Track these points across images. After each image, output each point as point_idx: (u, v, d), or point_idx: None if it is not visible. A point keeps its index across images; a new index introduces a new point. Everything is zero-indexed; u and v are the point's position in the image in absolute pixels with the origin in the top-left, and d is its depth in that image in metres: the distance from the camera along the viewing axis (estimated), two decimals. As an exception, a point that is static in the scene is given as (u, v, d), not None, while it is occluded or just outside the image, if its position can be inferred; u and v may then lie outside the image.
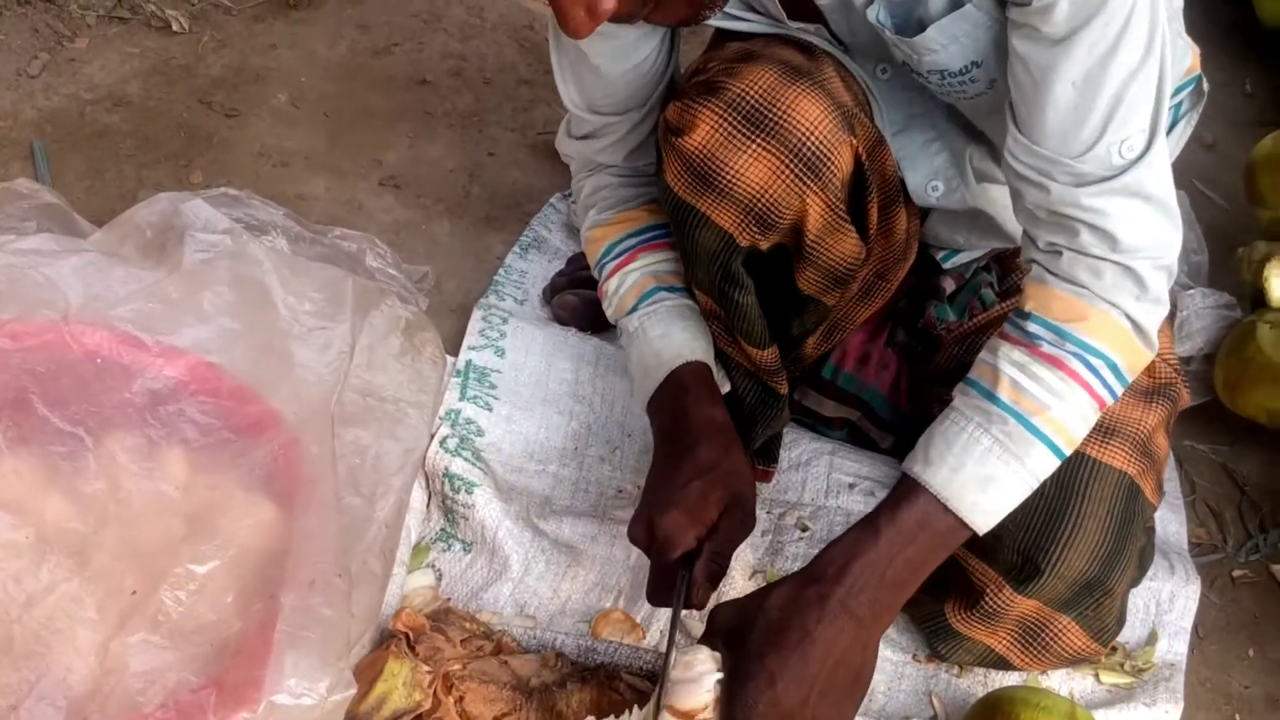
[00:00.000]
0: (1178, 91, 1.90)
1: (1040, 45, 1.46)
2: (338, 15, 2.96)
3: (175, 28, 2.85)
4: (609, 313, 1.92)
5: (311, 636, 1.51)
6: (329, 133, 2.70)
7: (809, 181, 1.66)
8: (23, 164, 2.52)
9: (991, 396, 1.55)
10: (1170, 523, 2.11)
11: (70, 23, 2.82)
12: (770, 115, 1.64)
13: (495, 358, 2.20)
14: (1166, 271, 1.56)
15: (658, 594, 1.71)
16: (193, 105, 2.71)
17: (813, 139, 1.64)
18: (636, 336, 1.86)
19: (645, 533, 1.70)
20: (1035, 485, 1.58)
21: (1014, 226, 1.84)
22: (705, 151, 1.66)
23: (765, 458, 2.06)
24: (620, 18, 1.44)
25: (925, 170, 1.80)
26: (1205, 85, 1.93)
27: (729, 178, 1.66)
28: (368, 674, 1.66)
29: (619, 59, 1.78)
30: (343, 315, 1.93)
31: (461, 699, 1.67)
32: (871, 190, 1.72)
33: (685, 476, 1.72)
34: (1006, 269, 1.97)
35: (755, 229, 1.70)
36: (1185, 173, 1.99)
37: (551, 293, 2.37)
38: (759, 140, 1.64)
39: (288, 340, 1.87)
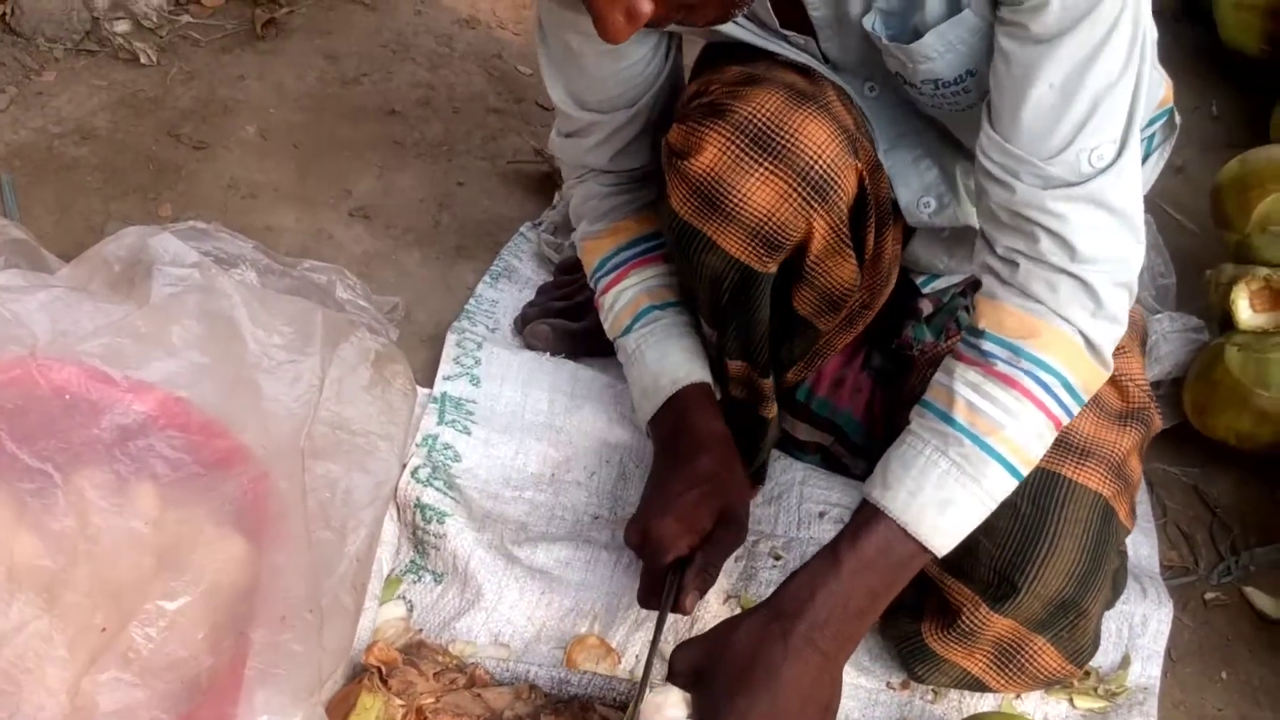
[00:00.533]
0: (1151, 123, 1.91)
1: (1025, 44, 1.48)
2: (306, 46, 2.96)
3: (143, 60, 2.84)
4: (606, 328, 1.95)
5: (283, 673, 1.50)
6: (298, 164, 2.70)
7: (816, 204, 1.67)
8: (-10, 198, 2.51)
9: (947, 418, 1.56)
10: (1142, 546, 2.12)
11: (38, 56, 2.81)
12: (778, 138, 1.64)
13: (470, 386, 2.19)
14: (1125, 289, 1.57)
15: (648, 598, 1.74)
16: (161, 138, 2.70)
17: (820, 162, 1.64)
18: (635, 359, 1.88)
19: (639, 536, 1.73)
20: (993, 506, 1.58)
21: None
22: (712, 174, 1.66)
23: (754, 477, 2.06)
24: (654, 22, 1.43)
25: (916, 187, 1.80)
26: (1178, 118, 1.95)
27: (736, 200, 1.66)
28: (340, 709, 1.66)
29: (612, 58, 1.79)
30: (312, 348, 1.93)
31: (435, 732, 1.66)
32: (870, 214, 1.73)
33: (683, 485, 1.75)
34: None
35: (762, 251, 1.70)
36: (1154, 196, 2.01)
37: (523, 322, 2.37)
38: (767, 163, 1.64)
39: (257, 374, 1.86)
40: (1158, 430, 1.91)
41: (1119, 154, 1.51)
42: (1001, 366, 1.55)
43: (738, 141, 1.65)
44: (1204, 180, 2.54)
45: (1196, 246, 2.66)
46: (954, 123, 1.74)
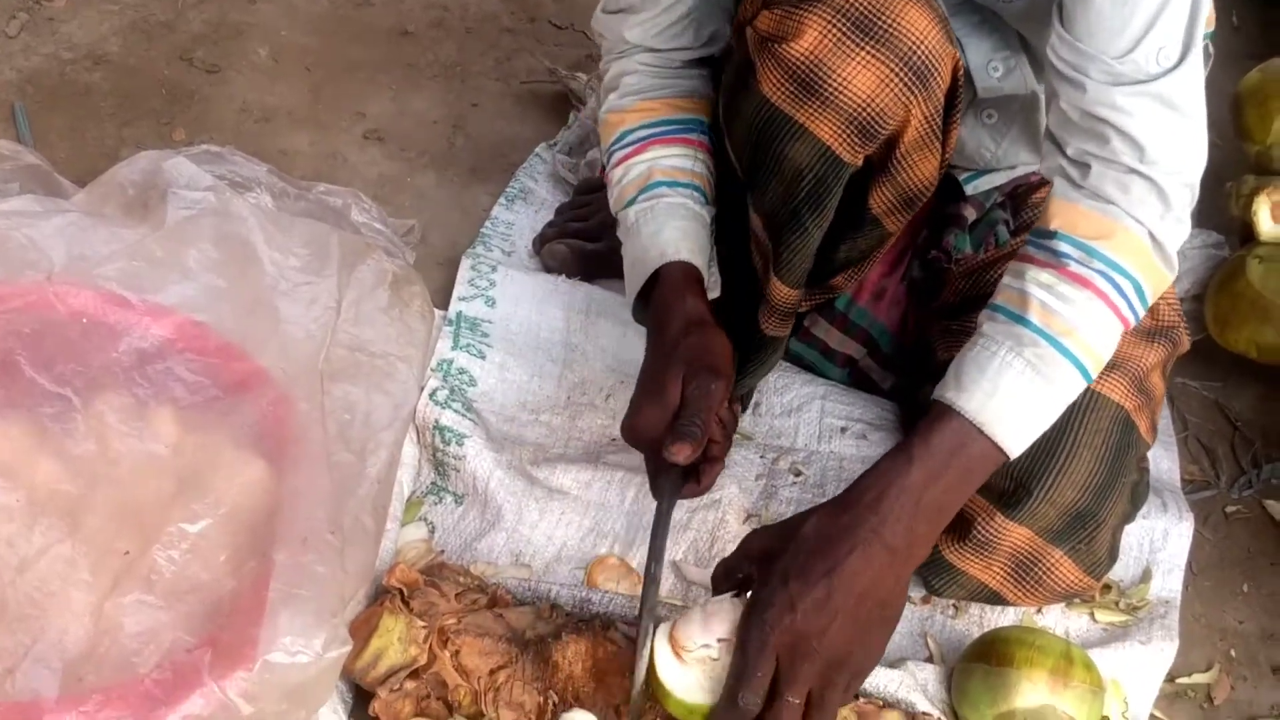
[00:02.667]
0: None
1: None
2: (318, -33, 2.94)
3: (154, -17, 2.82)
4: (611, 202, 1.89)
5: (305, 594, 1.51)
6: (311, 87, 2.68)
7: (916, 91, 1.64)
8: (3, 126, 2.50)
9: (1021, 320, 1.55)
10: (1163, 460, 2.11)
11: (48, -19, 2.80)
12: (880, 23, 1.61)
13: (486, 308, 2.19)
14: (1190, 190, 1.57)
15: (655, 487, 1.72)
16: (173, 62, 2.69)
17: (923, 48, 1.62)
18: (632, 231, 1.83)
19: (628, 432, 1.71)
20: (1063, 407, 1.58)
21: None
22: (812, 58, 1.62)
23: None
24: None
25: (984, 49, 1.78)
26: (1212, 49, 1.93)
27: (836, 85, 1.62)
28: (363, 630, 1.66)
29: None
30: (329, 270, 1.92)
31: (457, 653, 1.67)
32: (959, 108, 1.71)
33: (650, 368, 1.73)
34: (1020, 206, 1.96)
35: (856, 140, 1.66)
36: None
37: (541, 243, 2.36)
38: (869, 47, 1.61)
39: (274, 296, 1.86)
40: (1185, 350, 1.90)
41: (1184, 54, 1.52)
42: (1075, 267, 1.54)
43: (839, 25, 1.61)
44: (1224, 91, 2.52)
45: (1217, 158, 2.59)
46: (1007, 12, 1.76)
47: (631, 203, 1.84)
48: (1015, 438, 1.55)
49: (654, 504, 1.70)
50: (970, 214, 1.96)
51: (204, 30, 2.77)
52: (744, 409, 2.08)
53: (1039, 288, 1.55)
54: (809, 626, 1.48)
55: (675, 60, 1.87)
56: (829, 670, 1.51)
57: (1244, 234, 2.32)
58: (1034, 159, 1.93)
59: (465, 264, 2.26)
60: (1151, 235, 1.56)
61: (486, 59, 2.79)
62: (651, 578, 1.61)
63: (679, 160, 1.85)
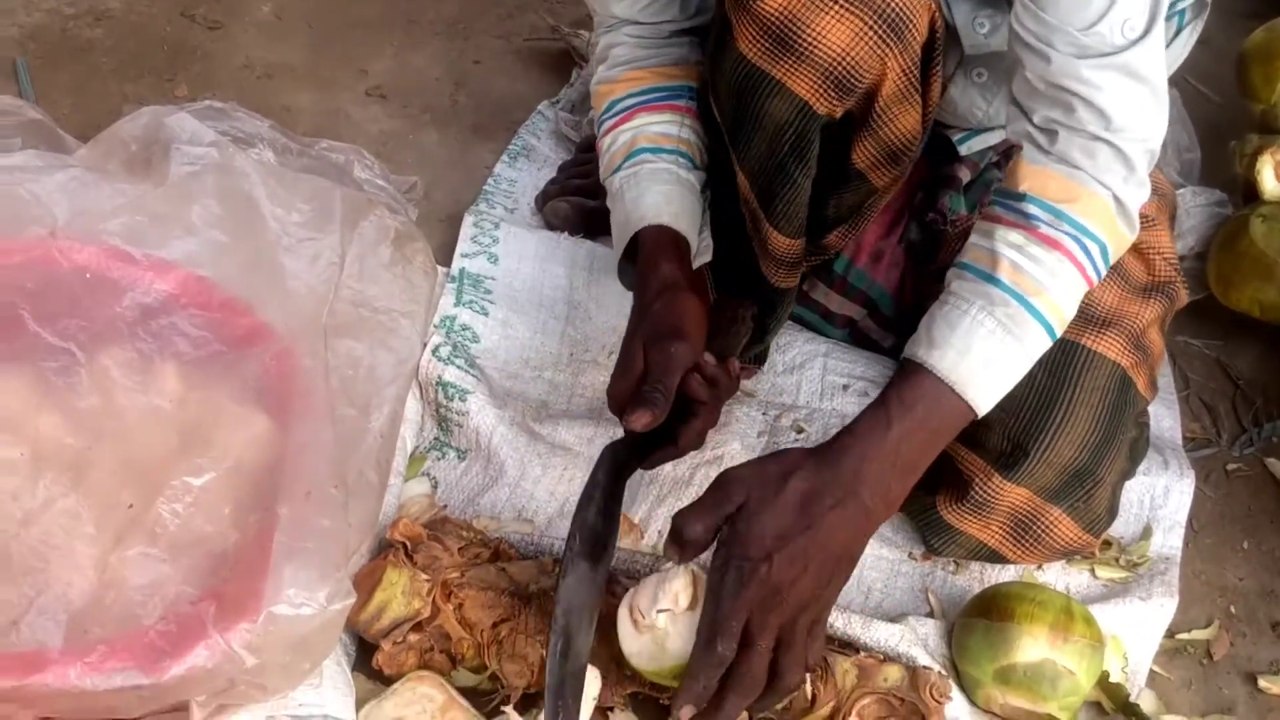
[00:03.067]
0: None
1: None
2: (319, -77, 2.93)
3: (156, -61, 2.81)
4: (600, 171, 1.90)
5: (309, 547, 1.51)
6: (313, 43, 2.68)
7: (891, 43, 1.64)
8: (6, 81, 2.50)
9: (991, 279, 1.55)
10: (1164, 418, 2.12)
11: (49, -64, 2.79)
12: None
13: (489, 264, 2.19)
14: (1151, 155, 1.58)
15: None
16: (175, 18, 2.68)
17: (897, 0, 1.62)
18: (616, 198, 1.84)
19: (608, 402, 1.71)
20: (1029, 365, 1.59)
21: None
22: (786, 13, 1.63)
23: (757, 359, 2.06)
24: None
25: (970, 5, 1.77)
26: None
27: (810, 39, 1.63)
28: (366, 583, 1.67)
29: None
30: (332, 226, 1.92)
31: (460, 606, 1.68)
32: (937, 60, 1.70)
33: (628, 339, 1.73)
34: None
35: (833, 94, 1.67)
36: (1177, 68, 2.00)
37: (543, 200, 2.36)
38: (842, 1, 1.61)
39: (277, 252, 1.86)
40: (1182, 305, 1.91)
41: (1149, 24, 1.51)
42: (1045, 229, 1.55)
43: None
44: (1229, 50, 2.51)
45: (1221, 117, 2.64)
46: None
47: (617, 170, 1.84)
48: (985, 396, 1.56)
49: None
50: (965, 175, 1.96)
51: (206, -14, 2.76)
52: (761, 365, 2.08)
53: (1009, 247, 1.56)
54: (780, 576, 1.48)
55: (663, 30, 1.87)
56: (794, 616, 1.51)
57: (1247, 193, 2.32)
58: None
59: (468, 221, 2.26)
60: (1116, 199, 1.57)
61: (489, 16, 2.78)
62: (572, 560, 1.60)
63: (664, 127, 1.85)
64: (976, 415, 1.57)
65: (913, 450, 1.56)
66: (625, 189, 1.82)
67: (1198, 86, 2.70)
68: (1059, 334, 1.59)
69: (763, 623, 1.49)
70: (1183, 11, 1.90)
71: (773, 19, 1.63)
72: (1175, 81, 2.08)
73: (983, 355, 1.55)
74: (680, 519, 1.52)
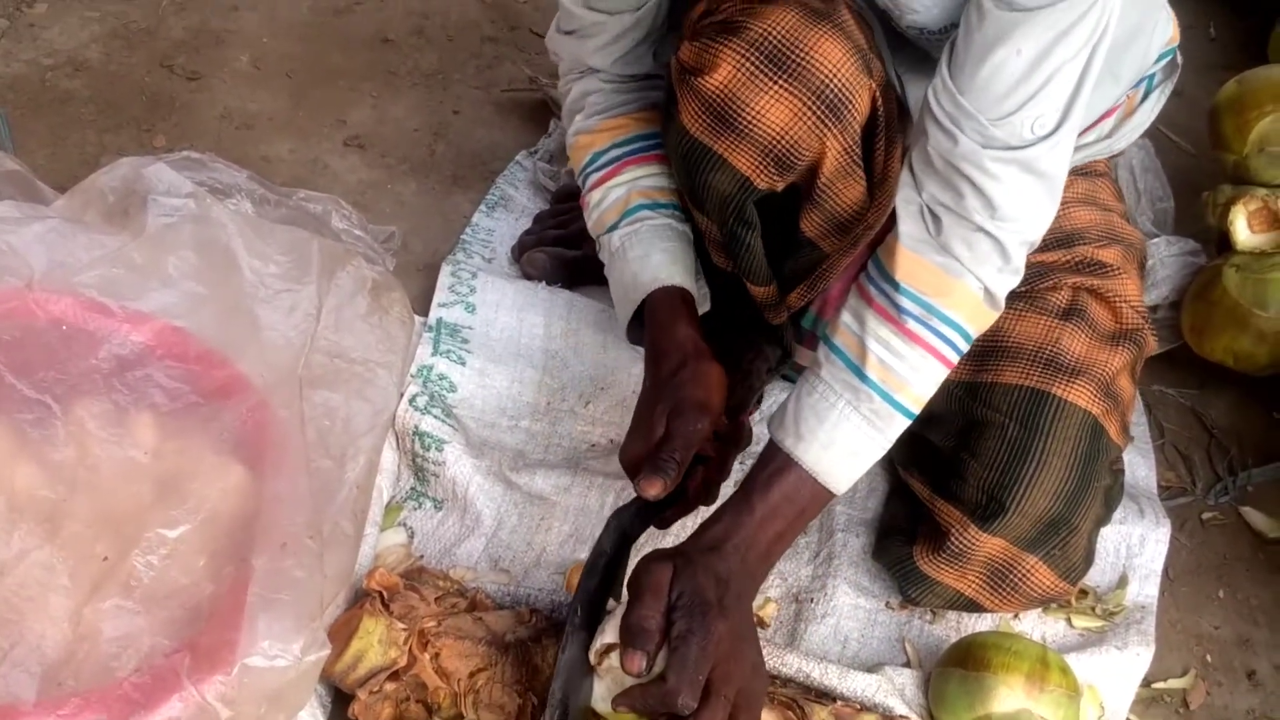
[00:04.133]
0: (1156, 61, 1.91)
1: (1004, 8, 1.48)
2: (298, -25, 2.95)
3: (135, -10, 2.82)
4: (590, 225, 1.90)
5: (284, 598, 1.51)
6: (292, 94, 2.69)
7: (830, 124, 1.66)
8: (-16, 132, 2.50)
9: (860, 373, 1.60)
10: (1139, 467, 2.12)
11: (28, -13, 2.80)
12: (793, 56, 1.63)
13: (466, 314, 2.19)
14: (1029, 246, 1.61)
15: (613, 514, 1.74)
16: (154, 69, 2.69)
17: (836, 81, 1.63)
18: (617, 257, 1.84)
19: (623, 466, 1.73)
20: (886, 451, 1.64)
21: None
22: (726, 92, 1.65)
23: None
24: None
25: (924, 85, 1.79)
26: (1179, 59, 1.95)
27: (750, 118, 1.65)
28: (343, 633, 1.67)
29: None
30: (309, 277, 1.92)
31: (437, 655, 1.67)
32: (880, 134, 1.72)
33: (642, 400, 1.75)
34: None
35: (773, 171, 1.69)
36: (1151, 121, 2.02)
37: (520, 250, 2.36)
38: (781, 81, 1.63)
39: (254, 303, 1.86)
40: (1152, 352, 1.92)
41: (1060, 124, 1.54)
42: (913, 325, 1.59)
43: (752, 59, 1.63)
44: (1201, 102, 2.53)
45: (1194, 168, 2.65)
46: (929, 48, 1.74)
47: (614, 228, 1.85)
48: (844, 482, 1.62)
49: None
50: None
51: (185, 37, 2.77)
52: (759, 406, 2.09)
53: (877, 342, 1.60)
54: (729, 640, 1.51)
55: (636, 78, 1.88)
56: (744, 685, 1.53)
57: (1220, 243, 2.33)
58: None
59: (445, 270, 2.27)
60: (987, 290, 1.60)
61: (467, 67, 2.79)
62: (571, 633, 1.60)
63: (656, 179, 1.87)
64: (835, 496, 1.63)
65: (774, 537, 1.61)
66: (628, 247, 1.83)
67: (1171, 137, 2.72)
68: (916, 414, 1.63)
69: (725, 674, 1.50)
70: (1152, 76, 1.92)
71: (714, 96, 1.66)
72: (1149, 133, 2.10)
73: (847, 448, 1.60)
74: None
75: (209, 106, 2.63)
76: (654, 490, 1.64)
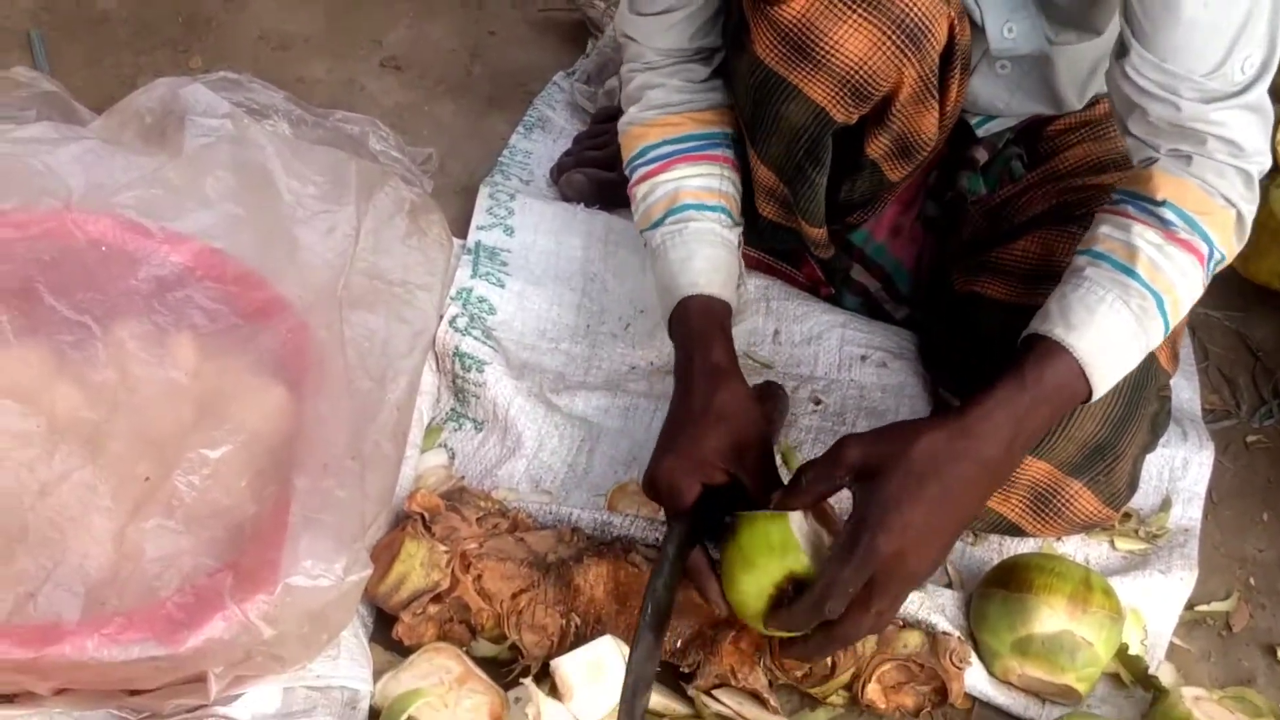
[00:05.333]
0: None
1: None
2: (333, -106, 2.92)
3: (170, -90, 2.80)
4: (635, 219, 1.88)
5: (326, 519, 1.51)
6: (328, 14, 2.67)
7: (909, 53, 1.64)
8: (20, 53, 2.50)
9: (1129, 271, 1.57)
10: (1184, 389, 2.11)
11: (63, -92, 2.78)
12: None
13: (505, 236, 2.18)
14: (1263, 171, 1.61)
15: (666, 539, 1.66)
16: (190, -11, 2.68)
17: (915, 10, 1.61)
18: (659, 254, 1.82)
19: (649, 485, 1.66)
20: (1142, 358, 1.62)
21: (1064, 89, 1.86)
22: (804, 21, 1.62)
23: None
24: None
25: (1003, 10, 1.76)
26: None
27: (827, 48, 1.63)
28: (385, 555, 1.67)
29: None
30: (347, 198, 1.91)
31: (479, 577, 1.68)
32: (955, 63, 1.70)
33: (679, 422, 1.68)
34: (1034, 140, 1.95)
35: (850, 102, 1.67)
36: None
37: (558, 172, 2.35)
38: (860, 10, 1.61)
39: (292, 224, 1.85)
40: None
41: (1266, 59, 1.53)
42: (1182, 234, 1.58)
43: None
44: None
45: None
46: None
47: (658, 224, 1.83)
48: (1106, 382, 1.59)
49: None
50: (982, 155, 1.95)
51: (220, -42, 2.75)
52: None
53: (1147, 244, 1.57)
54: (911, 549, 1.49)
55: (701, 74, 1.85)
56: (910, 585, 1.54)
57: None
58: (1047, 109, 1.92)
59: (483, 192, 2.26)
60: (1239, 215, 1.61)
61: (504, -14, 2.77)
62: (642, 632, 1.58)
63: (706, 180, 1.84)
64: (1090, 400, 1.59)
65: (1038, 422, 1.57)
66: (670, 247, 1.81)
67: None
68: (1168, 332, 1.61)
69: (884, 591, 1.50)
70: None
71: (790, 26, 1.63)
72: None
73: (1117, 341, 1.57)
74: (800, 471, 1.55)
75: (245, 27, 2.62)
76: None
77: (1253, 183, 1.59)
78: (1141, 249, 1.57)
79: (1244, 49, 1.51)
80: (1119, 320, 1.56)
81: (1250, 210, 1.61)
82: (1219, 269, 1.64)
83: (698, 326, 1.76)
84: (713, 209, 1.83)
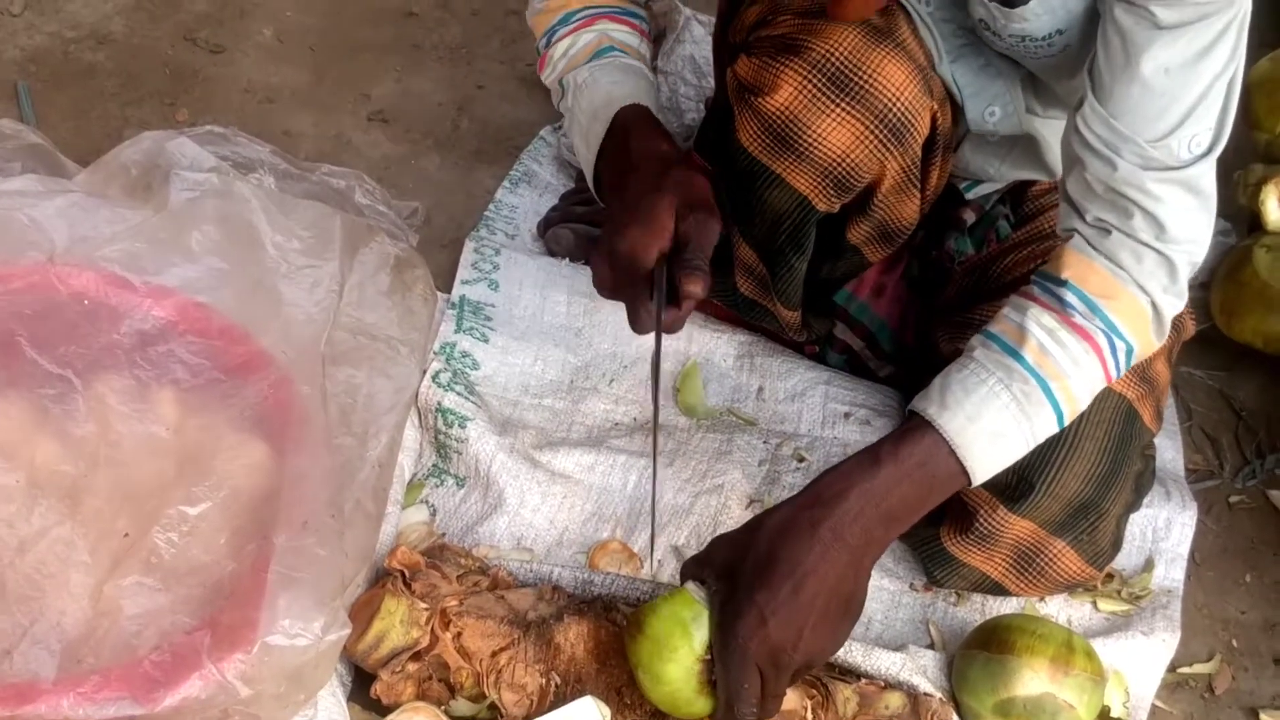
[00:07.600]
0: None
1: (1143, 25, 1.47)
2: (323, -52, 2.93)
3: (158, -37, 2.81)
4: (551, 77, 1.83)
5: (305, 577, 1.51)
6: (315, 68, 2.67)
7: (892, 146, 1.65)
8: (6, 104, 2.50)
9: (1016, 354, 1.55)
10: (1167, 449, 2.11)
11: (52, -41, 2.79)
12: (856, 79, 1.62)
13: (489, 291, 2.18)
14: (1193, 266, 1.59)
15: (638, 319, 1.62)
16: (177, 42, 2.68)
17: (899, 104, 1.62)
18: (586, 86, 1.77)
19: (607, 267, 1.62)
20: (1030, 449, 1.59)
21: (1053, 158, 1.85)
22: (788, 113, 1.64)
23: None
24: None
25: (985, 96, 1.77)
26: None
27: (811, 140, 1.64)
28: (364, 612, 1.66)
29: None
30: (331, 253, 1.91)
31: (459, 635, 1.67)
32: (938, 151, 1.71)
33: (631, 200, 1.63)
34: (1020, 199, 1.96)
35: (833, 192, 1.69)
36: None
37: (545, 227, 2.35)
38: (844, 104, 1.62)
39: (276, 279, 1.85)
40: (1189, 336, 1.90)
41: (1214, 141, 1.53)
42: (1079, 319, 1.56)
43: (814, 80, 1.62)
44: (1233, 79, 2.51)
45: (1225, 147, 2.62)
46: (1031, 65, 1.73)
47: (585, 64, 1.79)
48: (982, 466, 1.56)
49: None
50: (970, 216, 1.96)
51: (208, 10, 2.75)
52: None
53: (1039, 328, 1.56)
54: (783, 637, 1.50)
55: None
56: (806, 664, 1.54)
57: (1251, 223, 2.31)
58: (1036, 174, 1.93)
59: (469, 247, 2.26)
60: (1154, 305, 1.58)
61: (492, 41, 2.77)
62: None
63: (629, 38, 1.81)
64: (969, 483, 1.57)
65: (899, 500, 1.55)
66: (599, 74, 1.76)
67: (1201, 115, 2.69)
68: (1065, 424, 1.59)
69: (776, 681, 1.51)
70: None
71: (775, 117, 1.64)
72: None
73: (991, 426, 1.55)
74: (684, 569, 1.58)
75: (232, 80, 2.62)
76: (700, 288, 1.55)
77: (1176, 274, 1.56)
78: (1031, 332, 1.55)
79: (1192, 127, 1.50)
80: (998, 404, 1.55)
81: (1171, 306, 1.58)
82: (1134, 361, 1.61)
83: (641, 125, 1.72)
84: (638, 64, 1.80)
